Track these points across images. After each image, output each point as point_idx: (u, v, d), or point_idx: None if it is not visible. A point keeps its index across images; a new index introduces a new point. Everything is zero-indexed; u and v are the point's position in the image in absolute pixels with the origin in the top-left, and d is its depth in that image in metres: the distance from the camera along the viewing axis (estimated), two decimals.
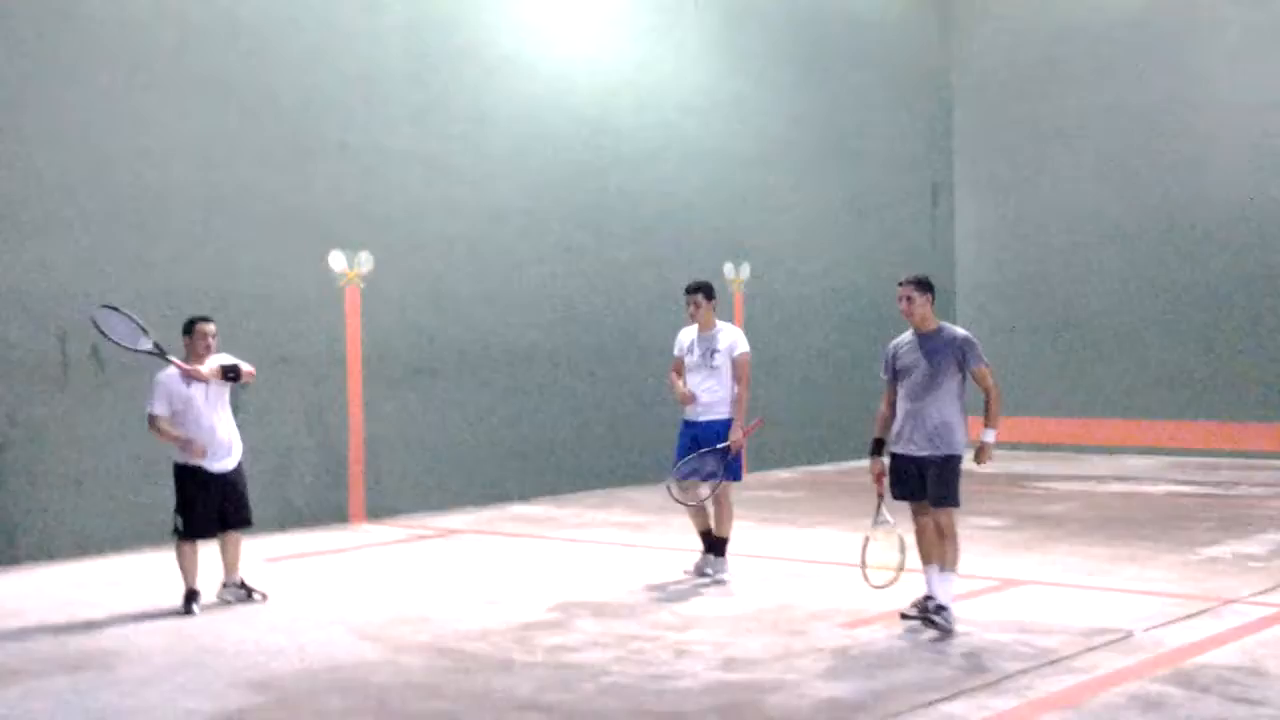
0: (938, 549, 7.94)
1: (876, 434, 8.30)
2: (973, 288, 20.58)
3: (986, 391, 8.02)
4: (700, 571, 9.78)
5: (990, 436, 7.95)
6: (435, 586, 9.77)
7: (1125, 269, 18.95)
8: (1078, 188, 19.51)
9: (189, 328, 9.12)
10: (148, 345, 9.10)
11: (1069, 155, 19.60)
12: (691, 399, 9.77)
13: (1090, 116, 19.38)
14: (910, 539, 8.12)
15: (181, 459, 9.03)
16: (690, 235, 16.62)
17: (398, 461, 13.47)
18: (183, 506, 9.06)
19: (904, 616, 8.01)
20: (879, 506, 8.27)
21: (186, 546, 9.08)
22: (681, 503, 9.79)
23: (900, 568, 8.15)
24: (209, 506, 9.08)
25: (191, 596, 8.98)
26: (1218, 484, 15.26)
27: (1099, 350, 19.11)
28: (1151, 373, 18.59)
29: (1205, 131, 18.38)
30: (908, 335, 8.23)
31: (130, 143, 11.73)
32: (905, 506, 8.13)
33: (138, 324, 9.14)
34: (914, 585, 8.17)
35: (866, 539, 8.35)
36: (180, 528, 9.06)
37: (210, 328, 9.12)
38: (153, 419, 8.99)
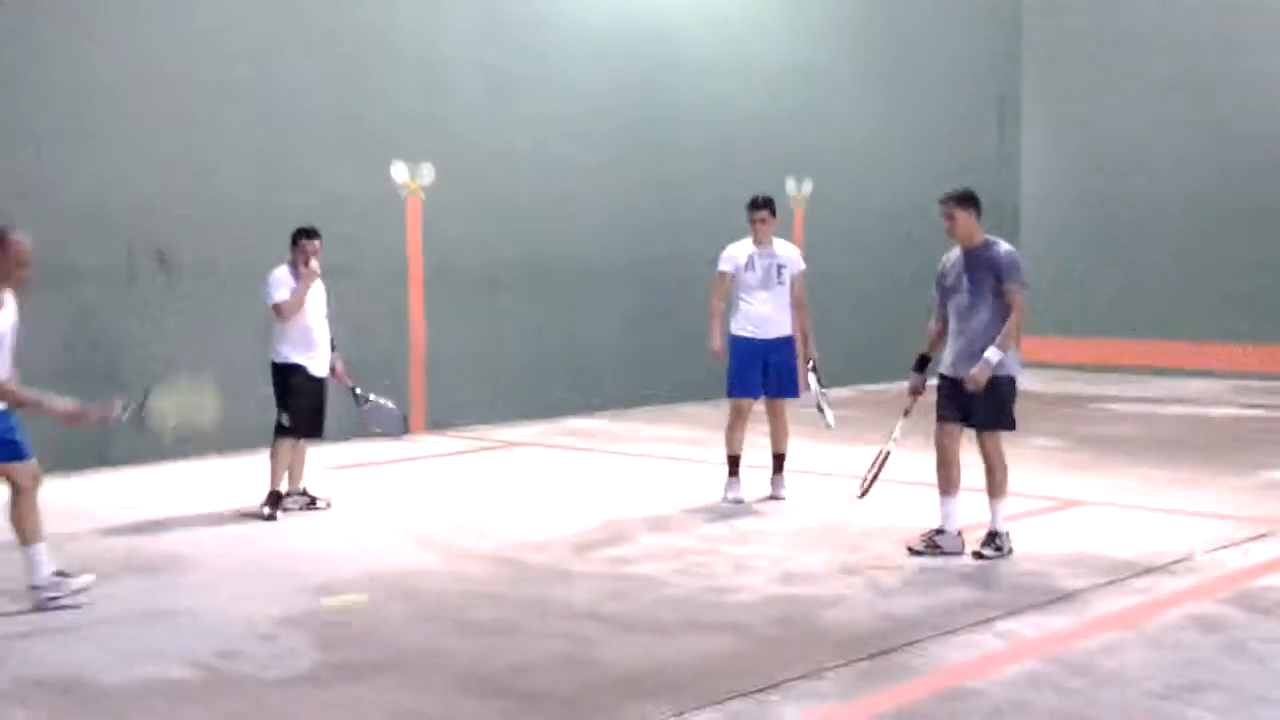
0: (989, 480, 7.74)
1: (923, 350, 8.17)
2: (1037, 203, 20.32)
3: (1010, 313, 7.59)
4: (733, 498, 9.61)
5: (994, 357, 7.50)
6: (494, 498, 9.86)
7: (1192, 189, 18.63)
8: (1146, 104, 19.15)
9: (295, 239, 9.30)
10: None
11: (1137, 71, 19.24)
12: (722, 355, 9.66)
13: (1160, 32, 18.99)
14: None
15: (284, 358, 9.19)
16: (752, 150, 16.48)
17: (458, 373, 13.54)
18: (289, 404, 9.20)
19: (912, 552, 7.76)
20: (901, 424, 8.17)
21: (285, 446, 9.21)
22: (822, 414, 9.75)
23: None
24: (310, 407, 9.27)
25: (278, 499, 9.13)
26: None
27: (1162, 271, 18.84)
28: (1215, 295, 18.32)
29: (1275, 49, 17.97)
30: (955, 252, 7.97)
31: (194, 54, 11.73)
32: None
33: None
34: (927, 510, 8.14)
35: (884, 454, 8.25)
36: (286, 424, 9.19)
37: (316, 244, 9.31)
38: (280, 306, 9.11)
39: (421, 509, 9.40)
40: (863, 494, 8.28)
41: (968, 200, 7.89)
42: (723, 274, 9.75)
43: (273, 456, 9.23)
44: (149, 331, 11.45)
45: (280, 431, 9.24)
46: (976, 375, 7.55)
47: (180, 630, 6.36)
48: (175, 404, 7.57)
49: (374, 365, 12.79)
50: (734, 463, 9.63)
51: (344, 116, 12.74)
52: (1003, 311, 7.65)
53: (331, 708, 5.31)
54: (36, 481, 6.79)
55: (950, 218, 7.90)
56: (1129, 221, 19.17)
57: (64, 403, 6.73)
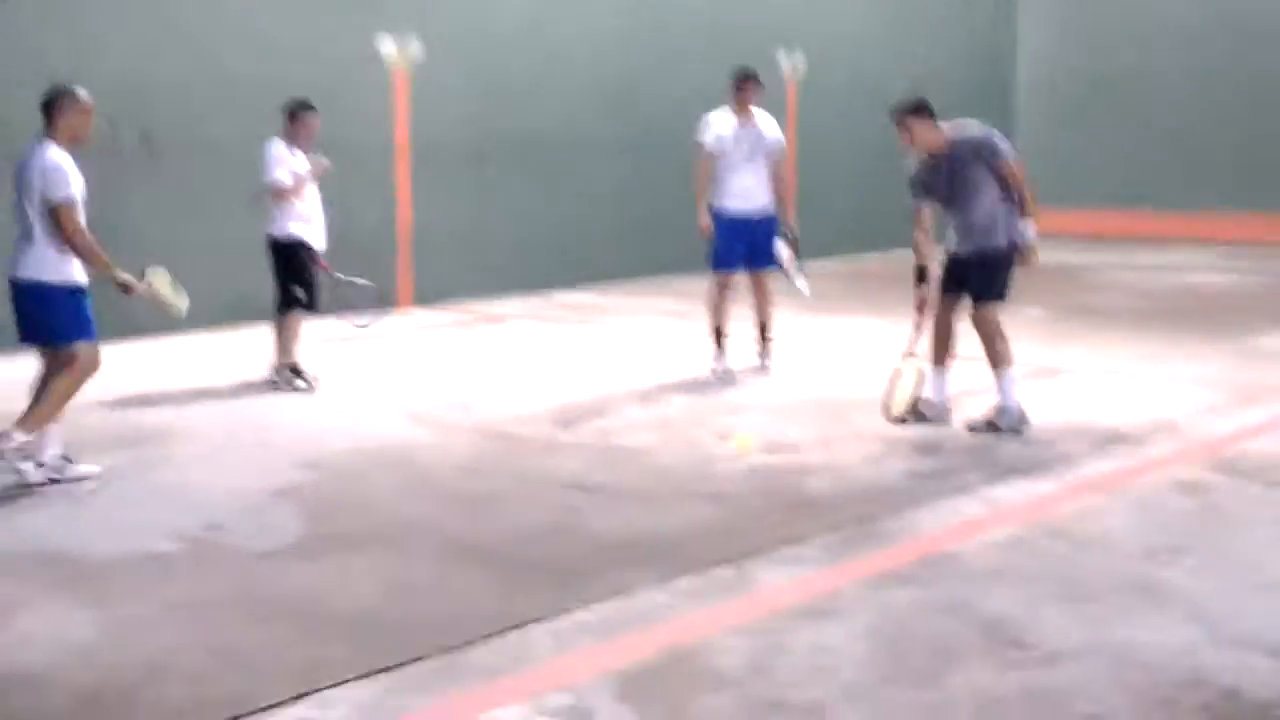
0: (989, 351, 7.70)
1: (918, 261, 8.01)
2: (1034, 76, 20.13)
3: (1017, 186, 7.60)
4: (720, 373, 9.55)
5: (1030, 231, 7.59)
6: (482, 372, 9.88)
7: (1186, 61, 18.55)
8: None
9: (295, 114, 9.28)
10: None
11: None
12: (709, 230, 9.59)
13: None
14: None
15: (286, 233, 9.19)
16: (744, 22, 16.26)
17: (446, 248, 13.45)
18: (299, 279, 9.21)
19: (899, 421, 7.79)
20: (914, 339, 8.05)
21: (297, 319, 9.23)
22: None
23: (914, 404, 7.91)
24: (313, 280, 9.32)
25: (298, 370, 9.17)
26: (1270, 274, 15.09)
27: (1155, 143, 18.77)
28: (1207, 165, 18.29)
29: None
30: (927, 156, 7.77)
31: None
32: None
33: None
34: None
35: (898, 371, 8.02)
36: (300, 297, 9.20)
37: (316, 120, 9.37)
38: (282, 189, 9.10)
39: (410, 383, 9.42)
40: (899, 418, 7.89)
41: (918, 109, 7.73)
42: (709, 150, 9.61)
43: (284, 329, 9.21)
44: (136, 208, 11.37)
45: (289, 304, 9.22)
46: (1028, 257, 7.68)
47: (168, 503, 6.39)
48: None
49: (361, 240, 12.71)
50: (719, 335, 9.62)
51: None
52: (996, 192, 7.61)
53: (320, 578, 5.36)
54: (94, 366, 6.81)
55: (906, 129, 7.71)
56: (1124, 93, 19.04)
57: (124, 274, 6.91)
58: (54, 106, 6.87)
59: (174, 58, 11.53)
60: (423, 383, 9.44)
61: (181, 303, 7.49)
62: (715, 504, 6.28)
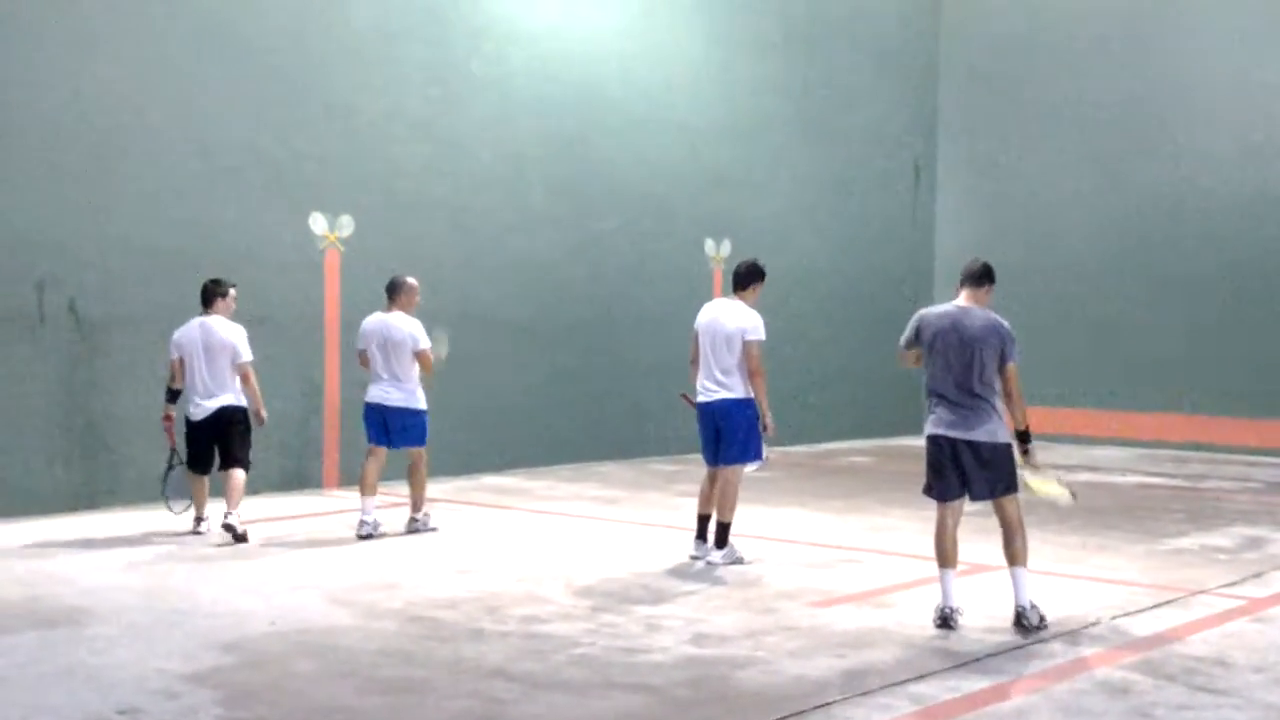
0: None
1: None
2: (951, 267, 20.51)
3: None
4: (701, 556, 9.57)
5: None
6: (407, 554, 9.78)
7: (1105, 257, 19.00)
8: (1061, 172, 19.56)
9: (224, 290, 10.43)
10: None
11: (1053, 139, 19.65)
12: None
13: (1076, 100, 19.42)
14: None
15: (243, 404, 10.39)
16: (672, 209, 16.63)
17: None
18: (249, 443, 10.45)
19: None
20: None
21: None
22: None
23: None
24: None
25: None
26: (1188, 477, 15.37)
27: (1073, 338, 19.13)
28: (1126, 363, 18.66)
29: (1192, 119, 18.41)
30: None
31: (111, 93, 11.67)
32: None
33: None
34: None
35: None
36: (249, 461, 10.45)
37: (235, 292, 10.60)
38: (251, 365, 10.42)
39: (332, 565, 9.30)
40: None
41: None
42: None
43: (239, 486, 10.24)
44: (57, 380, 11.28)
45: (246, 467, 10.33)
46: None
47: (80, 686, 6.22)
48: None
49: (287, 418, 12.67)
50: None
51: (264, 166, 12.69)
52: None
53: None
54: None
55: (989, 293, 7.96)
56: (1040, 289, 19.43)
57: None
58: None
59: (103, 228, 11.56)
60: (345, 564, 9.32)
61: None
62: (642, 695, 6.20)
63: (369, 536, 10.34)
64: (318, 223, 13.07)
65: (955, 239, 20.65)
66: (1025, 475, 7.89)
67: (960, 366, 7.64)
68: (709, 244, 17.09)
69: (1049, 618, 7.72)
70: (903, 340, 7.96)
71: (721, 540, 9.47)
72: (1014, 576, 7.66)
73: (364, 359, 10.71)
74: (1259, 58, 17.95)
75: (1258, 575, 9.33)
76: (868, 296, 19.53)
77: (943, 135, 20.83)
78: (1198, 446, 17.93)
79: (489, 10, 14.70)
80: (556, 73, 15.37)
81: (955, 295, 7.95)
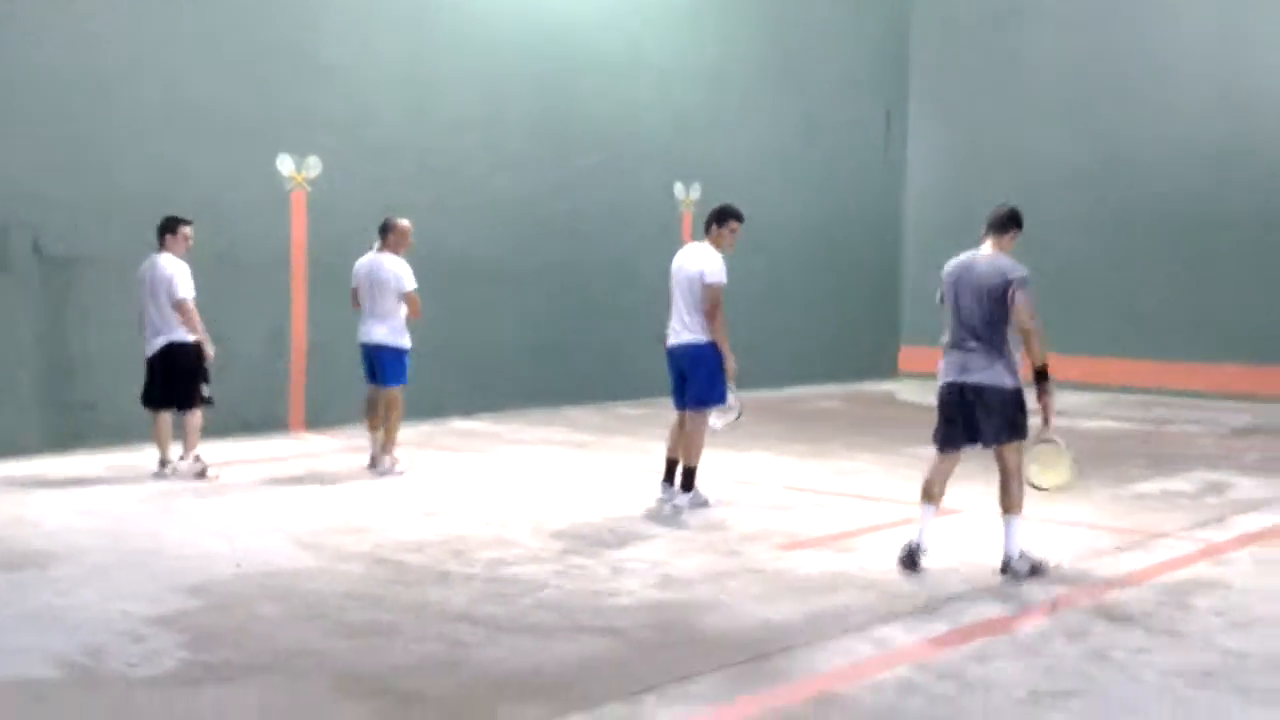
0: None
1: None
2: (921, 215, 20.65)
3: None
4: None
5: None
6: (373, 498, 9.78)
7: (1074, 204, 19.03)
8: (1032, 120, 19.58)
9: (174, 227, 10.32)
10: None
11: (1024, 87, 19.67)
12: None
13: (1048, 49, 19.43)
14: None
15: (186, 338, 10.29)
16: (642, 153, 16.56)
17: (340, 371, 13.36)
18: (206, 377, 10.39)
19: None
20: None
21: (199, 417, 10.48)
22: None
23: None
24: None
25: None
26: (1152, 421, 15.49)
27: (1042, 285, 19.02)
28: (1093, 309, 18.75)
29: (1164, 70, 18.48)
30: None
31: (78, 40, 11.51)
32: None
33: None
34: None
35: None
36: (208, 395, 10.44)
37: (189, 229, 10.48)
38: (191, 304, 10.25)
39: (299, 508, 9.29)
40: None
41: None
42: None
43: (194, 429, 10.36)
44: (22, 321, 11.20)
45: (200, 403, 10.34)
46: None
47: (44, 627, 6.22)
48: None
49: (254, 359, 12.63)
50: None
51: (230, 108, 12.56)
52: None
53: (201, 708, 5.22)
54: None
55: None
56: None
57: None
58: None
59: (68, 171, 11.45)
60: (312, 507, 9.32)
61: None
62: (607, 638, 6.24)
63: (384, 473, 10.71)
64: (284, 164, 12.96)
65: (925, 185, 20.70)
66: (1034, 466, 7.87)
67: (966, 311, 7.62)
68: (678, 187, 17.04)
69: (1051, 561, 7.77)
70: (938, 298, 7.85)
71: (687, 484, 9.50)
72: (1005, 524, 7.67)
73: (355, 298, 10.94)
74: (1230, 9, 17.96)
75: (1219, 519, 9.43)
76: (838, 241, 19.54)
77: (915, 82, 20.79)
78: (1164, 391, 18.07)
79: None
80: (531, 15, 15.24)
81: (980, 243, 7.87)
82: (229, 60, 12.52)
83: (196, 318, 10.25)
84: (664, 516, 9.20)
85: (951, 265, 7.81)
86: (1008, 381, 7.58)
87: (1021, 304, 7.53)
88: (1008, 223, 7.87)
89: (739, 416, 9.75)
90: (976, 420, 7.64)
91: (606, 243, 16.12)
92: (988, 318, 7.57)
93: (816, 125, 19.20)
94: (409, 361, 10.93)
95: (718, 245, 9.57)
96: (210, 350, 10.36)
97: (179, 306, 10.19)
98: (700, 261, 9.42)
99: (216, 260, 11.64)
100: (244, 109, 12.65)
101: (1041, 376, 7.57)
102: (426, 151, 14.21)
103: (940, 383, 7.82)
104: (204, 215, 11.16)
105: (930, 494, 7.82)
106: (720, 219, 9.62)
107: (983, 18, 20.05)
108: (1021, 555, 7.63)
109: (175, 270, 10.21)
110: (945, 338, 7.80)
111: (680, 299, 9.47)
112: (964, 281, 7.67)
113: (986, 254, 7.75)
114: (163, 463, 10.35)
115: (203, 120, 12.35)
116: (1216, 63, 18.06)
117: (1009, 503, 7.68)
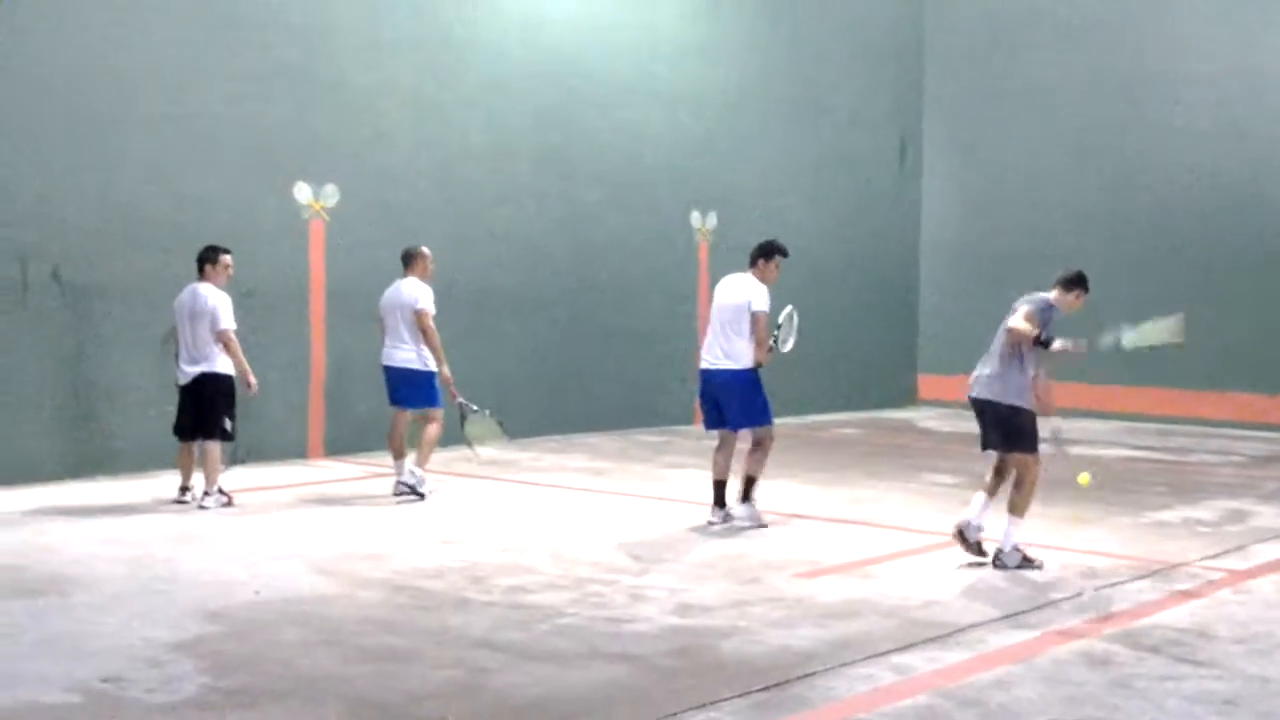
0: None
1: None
2: (936, 245, 20.64)
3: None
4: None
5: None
6: (393, 524, 9.78)
7: (1087, 234, 19.01)
8: (1045, 150, 19.57)
9: (214, 256, 10.33)
10: None
11: (1037, 118, 19.64)
12: None
13: (1060, 79, 19.42)
14: None
15: (224, 369, 10.28)
16: (657, 181, 16.59)
17: (359, 398, 13.40)
18: (232, 412, 10.33)
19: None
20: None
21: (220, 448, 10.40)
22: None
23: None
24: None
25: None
26: (1171, 450, 15.43)
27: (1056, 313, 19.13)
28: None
29: (1175, 100, 18.43)
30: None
31: (95, 67, 11.58)
32: None
33: None
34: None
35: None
36: (231, 430, 10.32)
37: (229, 259, 10.49)
38: (231, 333, 10.27)
39: (318, 534, 9.30)
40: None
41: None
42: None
43: (215, 461, 10.22)
44: (43, 349, 11.25)
45: (223, 437, 10.24)
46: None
47: (64, 654, 6.22)
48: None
49: (272, 387, 12.65)
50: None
51: (248, 136, 12.63)
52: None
53: None
54: None
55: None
56: (1025, 264, 19.41)
57: None
58: None
59: (87, 199, 11.51)
60: (331, 534, 9.32)
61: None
62: (626, 665, 6.22)
63: (404, 494, 10.74)
64: (302, 192, 13.02)
65: (940, 215, 20.70)
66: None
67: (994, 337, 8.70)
68: (695, 215, 17.06)
69: (1032, 586, 7.77)
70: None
71: (746, 494, 9.84)
72: (1006, 522, 8.41)
73: (380, 326, 11.12)
74: (1239, 37, 17.98)
75: (1240, 548, 9.38)
76: (855, 269, 19.54)
77: (928, 112, 20.81)
78: (1181, 420, 18.00)
79: None
80: (544, 44, 15.31)
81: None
82: (247, 89, 12.59)
83: (238, 348, 10.28)
84: (683, 543, 9.18)
85: None
86: (1008, 399, 8.55)
87: (1017, 321, 8.67)
88: (1067, 282, 9.32)
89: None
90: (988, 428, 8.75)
91: (623, 270, 16.14)
92: (1004, 339, 8.65)
93: (832, 154, 19.22)
94: (434, 381, 10.93)
95: (762, 278, 10.04)
96: (253, 380, 10.39)
97: (222, 337, 10.20)
98: (747, 292, 9.92)
99: (235, 288, 11.67)
100: (262, 137, 12.72)
101: (1044, 344, 8.68)
102: (443, 180, 14.26)
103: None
104: (223, 243, 11.20)
105: (984, 486, 8.77)
106: (767, 254, 10.20)
107: (996, 48, 20.07)
108: (1014, 549, 8.35)
109: (219, 301, 10.21)
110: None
111: (725, 327, 9.90)
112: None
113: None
114: (183, 489, 10.36)
115: (221, 148, 12.41)
116: (1228, 92, 18.04)
117: (1012, 504, 8.45)
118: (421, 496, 10.75)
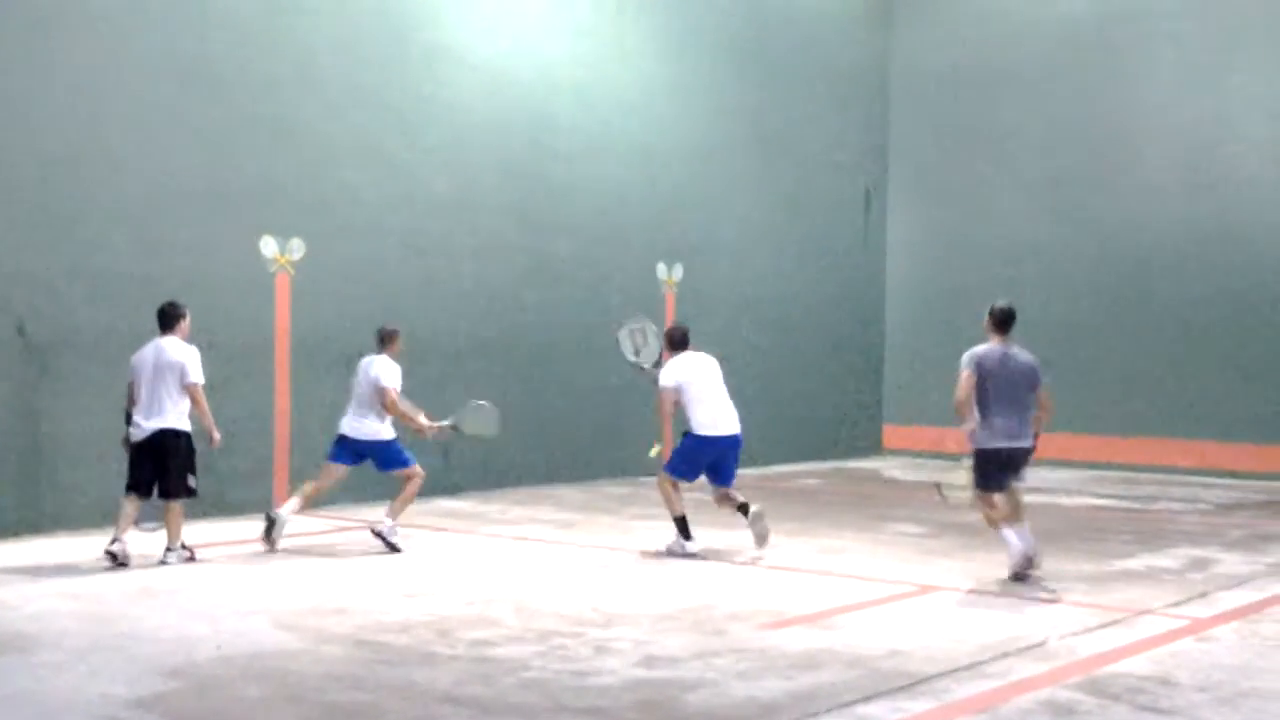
0: None
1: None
2: (902, 293, 20.76)
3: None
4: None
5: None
6: (357, 578, 9.74)
7: (1053, 282, 19.17)
8: (1011, 198, 19.75)
9: (181, 311, 10.32)
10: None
11: (1002, 166, 19.84)
12: None
13: (1025, 128, 19.63)
14: None
15: (187, 428, 10.20)
16: (624, 233, 16.67)
17: (322, 452, 13.31)
18: (195, 469, 10.25)
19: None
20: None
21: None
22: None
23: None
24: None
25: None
26: (1137, 498, 15.51)
27: None
28: (1074, 387, 18.78)
29: (1141, 148, 18.66)
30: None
31: (63, 116, 11.59)
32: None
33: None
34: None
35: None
36: (194, 487, 10.26)
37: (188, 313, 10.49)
38: (199, 388, 10.21)
39: (281, 589, 9.25)
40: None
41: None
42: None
43: (178, 519, 10.17)
44: (7, 404, 11.19)
45: (186, 494, 10.16)
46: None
47: (23, 713, 6.16)
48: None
49: (237, 441, 12.60)
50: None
51: (215, 189, 12.63)
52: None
53: None
54: None
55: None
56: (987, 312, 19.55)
57: None
58: None
59: (52, 251, 11.49)
60: (295, 589, 9.27)
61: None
62: (591, 717, 6.20)
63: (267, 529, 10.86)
64: (268, 246, 13.02)
65: (906, 264, 20.83)
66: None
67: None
68: (660, 268, 17.13)
69: (996, 635, 7.80)
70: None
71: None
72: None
73: (349, 392, 11.37)
74: (1207, 90, 18.21)
75: (1203, 595, 9.43)
76: (820, 319, 19.64)
77: (893, 159, 20.99)
78: (1144, 468, 18.11)
79: (442, 35, 14.72)
80: (510, 97, 15.40)
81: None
82: (210, 141, 12.61)
83: (205, 403, 10.21)
84: (649, 595, 9.17)
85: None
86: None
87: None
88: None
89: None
90: None
91: (589, 323, 16.16)
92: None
93: (798, 205, 19.35)
94: (398, 445, 11.18)
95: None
96: (216, 435, 10.27)
97: (191, 390, 10.08)
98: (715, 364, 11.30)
99: (199, 340, 11.64)
100: (228, 190, 12.73)
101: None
102: (409, 234, 14.29)
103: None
104: (188, 296, 11.18)
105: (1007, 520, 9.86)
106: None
107: (960, 98, 20.27)
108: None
109: (187, 355, 10.09)
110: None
111: (723, 394, 11.16)
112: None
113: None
114: (114, 540, 9.98)
115: (188, 201, 12.41)
116: (1190, 143, 18.27)
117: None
118: (395, 548, 10.72)
